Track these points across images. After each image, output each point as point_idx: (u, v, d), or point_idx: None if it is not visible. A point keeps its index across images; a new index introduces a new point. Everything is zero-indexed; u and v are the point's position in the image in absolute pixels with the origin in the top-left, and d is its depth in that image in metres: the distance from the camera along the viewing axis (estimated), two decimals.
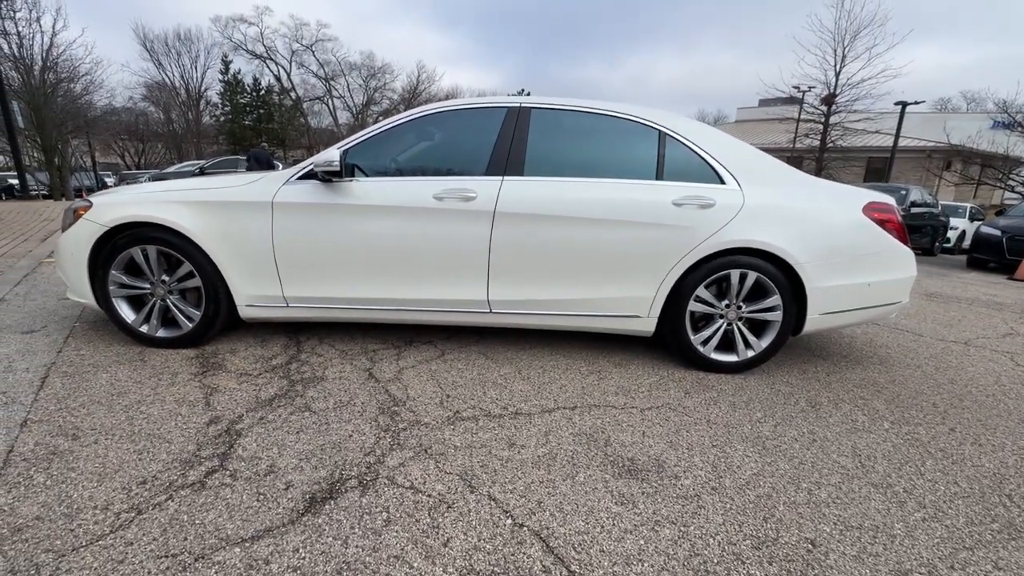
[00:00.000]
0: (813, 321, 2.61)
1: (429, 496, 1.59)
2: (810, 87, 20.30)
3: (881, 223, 2.59)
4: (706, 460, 1.87)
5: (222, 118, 39.33)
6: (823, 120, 20.17)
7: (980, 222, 13.01)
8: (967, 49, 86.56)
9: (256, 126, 38.61)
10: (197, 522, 1.44)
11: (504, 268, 2.55)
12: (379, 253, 2.55)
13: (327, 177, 2.46)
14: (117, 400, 2.12)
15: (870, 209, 2.59)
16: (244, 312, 2.69)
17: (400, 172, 2.75)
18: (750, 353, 2.66)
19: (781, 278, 2.52)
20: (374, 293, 2.62)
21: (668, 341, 2.74)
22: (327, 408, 2.12)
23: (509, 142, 2.58)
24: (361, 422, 2.02)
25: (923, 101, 19.11)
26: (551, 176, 2.54)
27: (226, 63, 37.89)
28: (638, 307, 2.60)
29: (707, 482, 1.73)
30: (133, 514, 1.46)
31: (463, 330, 3.16)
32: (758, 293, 2.60)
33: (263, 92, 39.34)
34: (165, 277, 2.64)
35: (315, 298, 2.64)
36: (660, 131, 2.61)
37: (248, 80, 39.01)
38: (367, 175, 2.63)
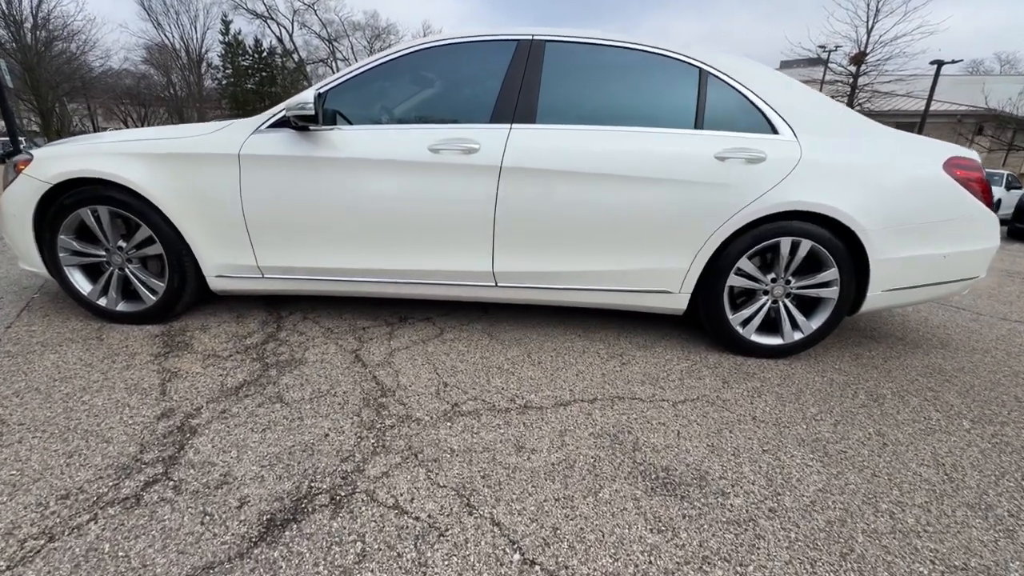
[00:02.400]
0: (874, 299, 2.21)
1: (416, 519, 1.27)
2: (837, 46, 19.10)
3: (965, 182, 2.15)
4: (758, 470, 1.52)
5: (224, 81, 38.30)
6: (851, 81, 19.05)
7: (1017, 190, 12.28)
8: (1001, 5, 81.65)
9: (259, 90, 37.53)
10: (120, 554, 1.13)
11: (512, 234, 2.17)
12: (365, 216, 2.18)
13: (301, 124, 2.07)
14: (58, 387, 1.81)
15: (952, 165, 2.16)
16: (214, 284, 2.35)
17: (390, 120, 2.35)
18: (797, 335, 2.29)
19: (841, 248, 2.12)
20: (361, 263, 2.25)
21: (701, 320, 2.37)
22: (302, 399, 1.80)
23: (519, 83, 2.15)
24: (341, 417, 1.70)
25: (960, 60, 17.91)
26: (568, 124, 2.12)
27: (226, 23, 36.55)
28: (668, 281, 2.22)
29: (763, 501, 1.39)
30: (42, 542, 1.15)
31: (465, 305, 2.81)
32: (811, 265, 2.21)
33: (265, 54, 38.07)
34: (122, 243, 2.30)
35: (293, 268, 2.29)
36: (700, 69, 2.17)
37: (249, 41, 37.72)
38: (351, 123, 2.23)
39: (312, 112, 1.98)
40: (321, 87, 2.16)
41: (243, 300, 2.74)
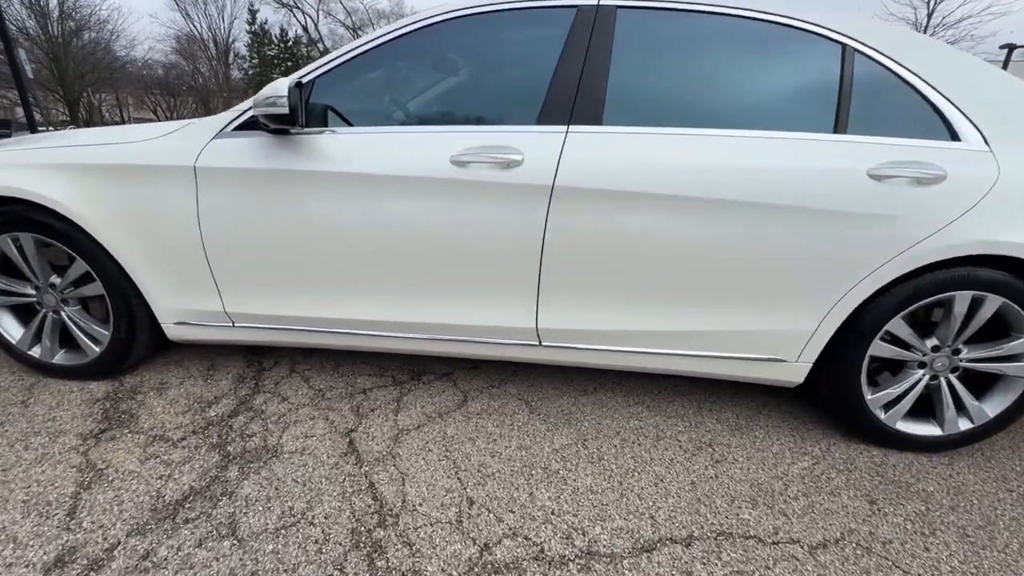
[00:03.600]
0: None
1: None
2: None
3: None
4: None
5: (250, 71, 38.40)
6: None
7: None
8: None
9: None
10: None
11: (565, 280, 1.56)
12: (365, 252, 1.60)
13: (276, 127, 1.49)
14: None
15: None
16: (172, 333, 1.81)
17: (401, 119, 1.76)
18: (964, 424, 1.62)
19: None
20: (358, 313, 1.68)
21: (822, 397, 1.72)
22: (264, 530, 1.24)
23: (579, 68, 1.52)
24: (314, 572, 1.13)
25: None
26: (648, 127, 1.49)
27: (252, 12, 36.57)
28: (783, 346, 1.58)
29: None
30: None
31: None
32: (994, 330, 1.54)
33: (291, 43, 38.00)
34: (56, 279, 1.78)
35: (272, 316, 1.73)
36: (844, 45, 1.50)
37: (275, 31, 37.72)
38: (349, 123, 1.65)
39: (286, 110, 1.39)
40: (304, 74, 1.58)
41: (219, 345, 2.21)
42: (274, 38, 37.73)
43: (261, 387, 1.88)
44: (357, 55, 1.60)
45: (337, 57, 1.60)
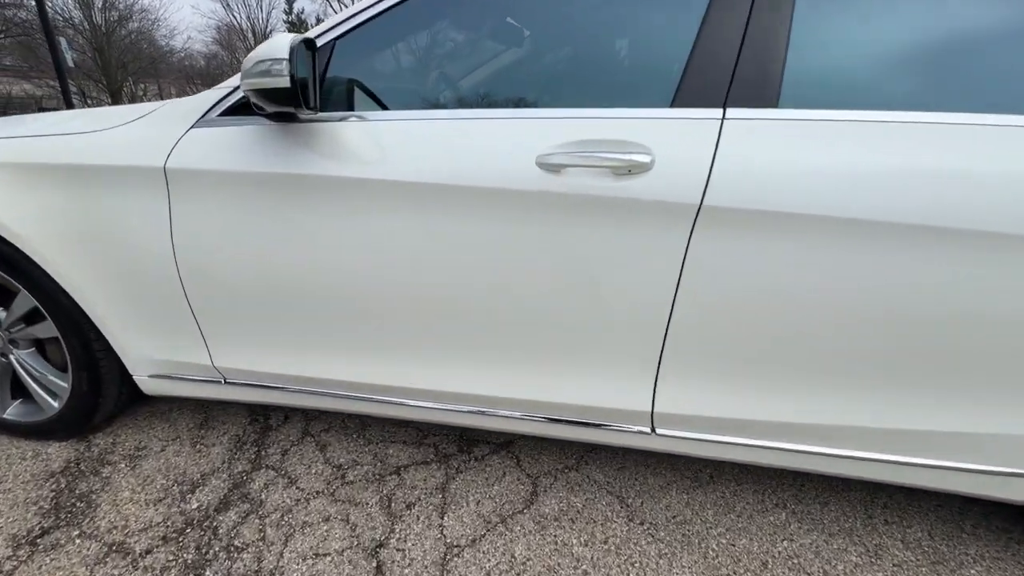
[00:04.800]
0: None
1: None
2: None
3: None
4: None
5: None
6: None
7: None
8: None
9: None
10: None
11: (706, 345, 1.02)
12: (406, 295, 1.10)
13: (276, 110, 0.99)
14: None
15: None
16: (147, 387, 1.36)
17: (456, 102, 1.24)
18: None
19: None
20: (398, 377, 1.19)
21: None
22: None
23: (741, 20, 0.96)
24: None
25: None
26: (858, 110, 0.92)
27: (289, 2, 36.74)
28: None
29: None
30: None
31: None
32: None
33: None
34: (1, 312, 1.35)
35: (277, 376, 1.26)
36: None
37: (312, 21, 37.82)
38: (382, 105, 1.14)
39: (286, 81, 0.89)
40: (319, 33, 1.08)
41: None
42: (310, 28, 37.88)
43: (263, 459, 1.42)
44: (396, 3, 1.08)
45: (367, 7, 1.09)
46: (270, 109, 0.97)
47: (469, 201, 1.00)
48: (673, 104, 0.97)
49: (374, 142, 1.05)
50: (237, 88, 1.10)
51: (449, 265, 1.05)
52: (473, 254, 1.03)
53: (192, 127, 1.11)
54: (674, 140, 0.94)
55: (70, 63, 10.68)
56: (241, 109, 1.11)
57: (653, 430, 1.14)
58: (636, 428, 1.14)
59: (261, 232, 1.10)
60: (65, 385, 1.36)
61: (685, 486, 1.38)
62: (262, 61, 0.89)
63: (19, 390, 1.45)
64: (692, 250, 0.95)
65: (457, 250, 1.03)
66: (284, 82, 0.89)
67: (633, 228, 0.95)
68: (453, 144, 1.01)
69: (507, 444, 1.52)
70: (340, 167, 1.04)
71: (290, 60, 0.88)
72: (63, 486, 1.30)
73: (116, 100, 17.19)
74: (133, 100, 18.96)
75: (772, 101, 0.94)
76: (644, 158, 0.92)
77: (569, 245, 0.98)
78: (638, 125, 0.95)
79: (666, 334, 1.02)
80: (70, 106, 10.71)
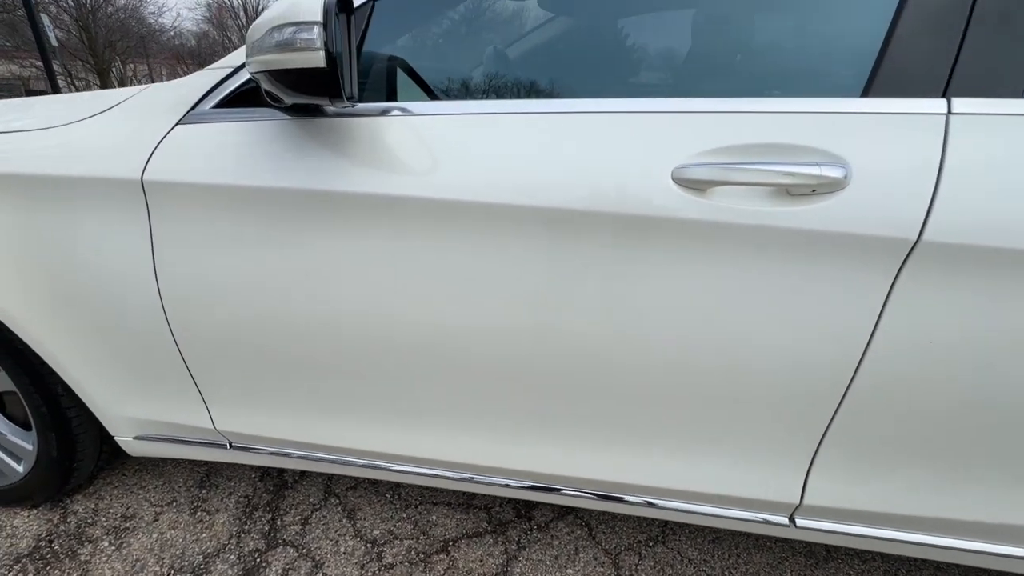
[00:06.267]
0: None
1: None
2: None
3: None
4: None
5: None
6: None
7: None
8: None
9: None
10: None
11: (890, 422, 0.74)
12: (472, 351, 0.81)
13: (299, 102, 0.69)
14: None
15: None
16: (132, 449, 1.09)
17: (548, 91, 0.93)
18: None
19: None
20: (451, 450, 0.92)
21: None
22: None
23: None
24: None
25: None
26: None
27: None
28: None
29: None
30: None
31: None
32: None
33: None
34: None
35: (295, 443, 0.98)
36: None
37: None
38: (429, 93, 0.85)
39: (320, 58, 0.59)
40: None
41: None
42: None
43: (279, 530, 1.15)
44: None
45: None
46: (290, 100, 0.68)
47: (568, 230, 0.71)
48: (864, 94, 0.68)
49: (422, 146, 0.75)
50: (239, 69, 0.80)
51: (532, 315, 0.76)
52: (570, 301, 0.74)
53: (178, 123, 0.81)
54: (877, 145, 0.65)
55: (53, 42, 10.16)
56: (243, 98, 0.81)
57: (792, 521, 0.87)
58: (772, 517, 0.88)
59: (275, 268, 0.81)
60: (29, 447, 1.09)
61: (799, 565, 1.13)
62: (281, 27, 0.59)
63: None
64: (894, 300, 0.67)
65: (546, 295, 0.75)
66: (317, 59, 0.59)
67: (812, 273, 0.67)
68: (545, 149, 0.72)
69: (572, 508, 1.26)
70: (383, 181, 0.75)
71: (324, 26, 0.58)
72: (25, 572, 1.04)
73: (104, 81, 16.57)
74: (122, 82, 18.30)
75: (1018, 88, 0.65)
76: (836, 172, 0.63)
77: (713, 293, 0.70)
78: (822, 123, 0.66)
79: (837, 410, 0.75)
80: (55, 88, 10.21)
